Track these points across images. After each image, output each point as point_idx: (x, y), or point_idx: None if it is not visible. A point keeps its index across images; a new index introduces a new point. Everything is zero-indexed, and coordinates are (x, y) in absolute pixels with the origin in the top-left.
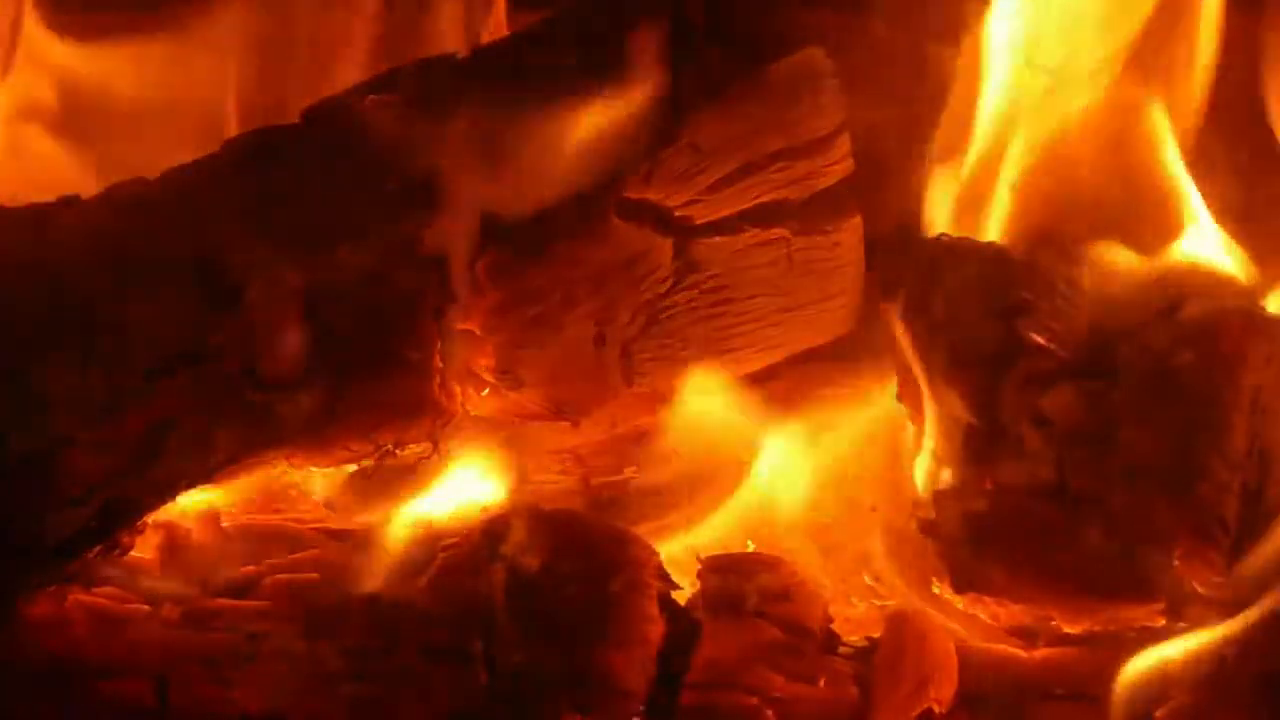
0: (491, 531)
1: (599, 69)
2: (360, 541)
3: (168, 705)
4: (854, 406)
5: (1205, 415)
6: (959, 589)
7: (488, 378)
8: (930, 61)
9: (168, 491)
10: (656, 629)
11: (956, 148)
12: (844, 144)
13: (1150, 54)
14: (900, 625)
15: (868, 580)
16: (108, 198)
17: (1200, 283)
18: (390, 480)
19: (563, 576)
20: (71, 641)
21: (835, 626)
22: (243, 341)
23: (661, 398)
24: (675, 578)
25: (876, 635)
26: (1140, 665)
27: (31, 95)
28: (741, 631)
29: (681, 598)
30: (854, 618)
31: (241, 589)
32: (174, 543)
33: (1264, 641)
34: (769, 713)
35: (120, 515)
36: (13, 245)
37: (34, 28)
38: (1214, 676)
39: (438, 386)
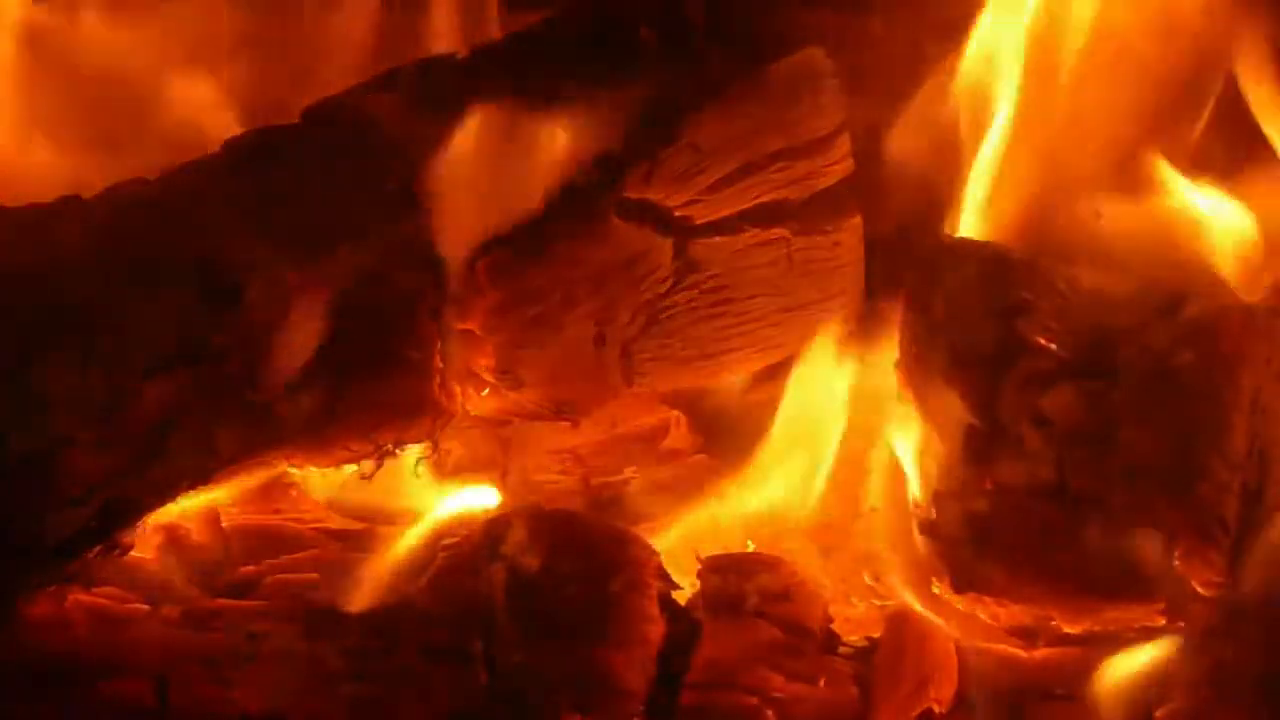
0: (491, 531)
1: (599, 69)
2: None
3: (168, 705)
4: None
5: (1205, 415)
6: (959, 589)
7: (488, 378)
8: (930, 61)
9: (168, 491)
10: (656, 629)
11: (957, 148)
12: (844, 144)
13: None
14: (900, 625)
15: (868, 580)
16: (108, 198)
17: (1200, 283)
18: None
19: (563, 576)
20: (71, 641)
21: (835, 626)
22: (243, 341)
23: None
24: (675, 578)
25: (876, 635)
26: (1139, 665)
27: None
28: (741, 631)
29: (681, 598)
30: (854, 618)
31: (241, 589)
32: (174, 543)
33: (1264, 641)
34: (769, 713)
35: (120, 515)
36: (13, 245)
37: None
38: (1214, 676)
39: (438, 386)
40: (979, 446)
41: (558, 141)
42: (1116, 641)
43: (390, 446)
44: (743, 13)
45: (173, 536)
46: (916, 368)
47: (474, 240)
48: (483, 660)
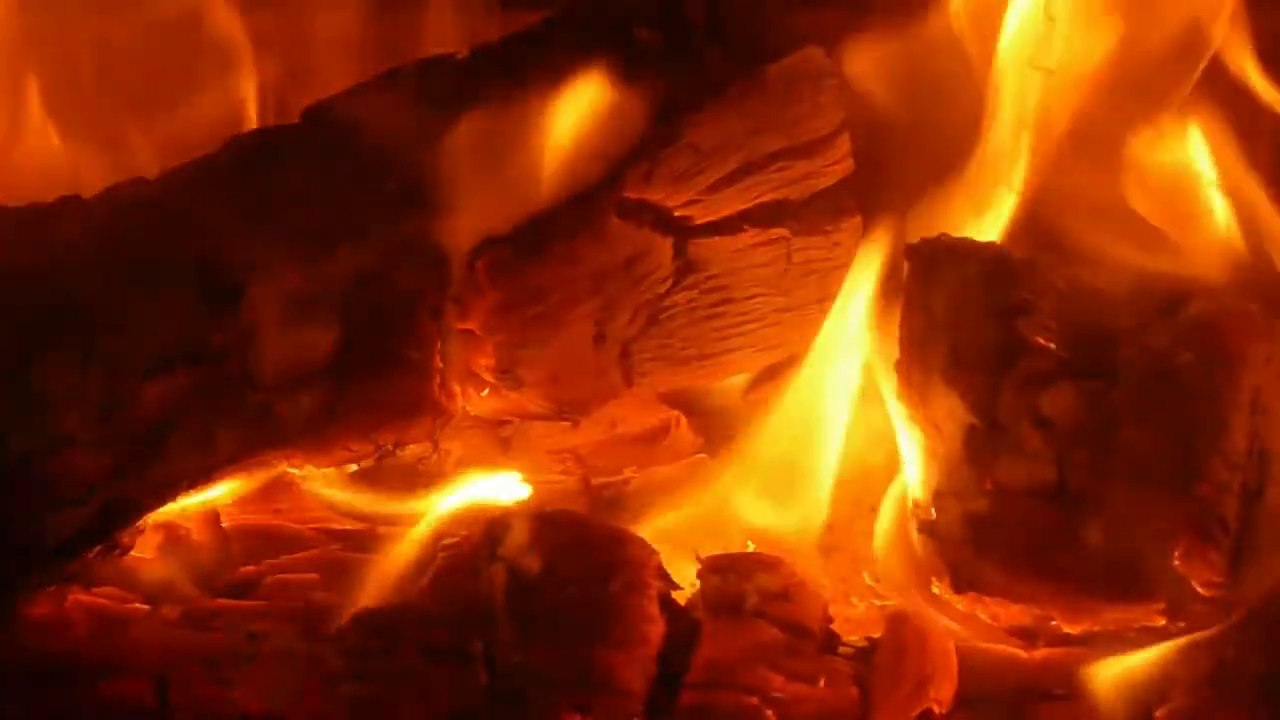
0: (491, 532)
1: (598, 69)
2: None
3: (168, 705)
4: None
5: (1205, 415)
6: (959, 589)
7: (488, 378)
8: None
9: (168, 491)
10: (656, 629)
11: (959, 149)
12: (844, 144)
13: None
14: (900, 625)
15: (868, 580)
16: (108, 198)
17: (1200, 283)
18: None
19: (563, 577)
20: (71, 641)
21: (835, 626)
22: (243, 341)
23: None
24: (675, 578)
25: (876, 635)
26: (1139, 665)
27: None
28: (741, 631)
29: (681, 598)
30: (854, 618)
31: (241, 589)
32: (174, 543)
33: (1264, 641)
34: (769, 713)
35: (120, 515)
36: (13, 245)
37: None
38: (1214, 676)
39: (438, 386)
40: (979, 446)
41: (557, 141)
42: (1116, 641)
43: (390, 446)
44: (743, 13)
45: (173, 536)
46: (916, 368)
47: (474, 240)
48: (483, 660)
